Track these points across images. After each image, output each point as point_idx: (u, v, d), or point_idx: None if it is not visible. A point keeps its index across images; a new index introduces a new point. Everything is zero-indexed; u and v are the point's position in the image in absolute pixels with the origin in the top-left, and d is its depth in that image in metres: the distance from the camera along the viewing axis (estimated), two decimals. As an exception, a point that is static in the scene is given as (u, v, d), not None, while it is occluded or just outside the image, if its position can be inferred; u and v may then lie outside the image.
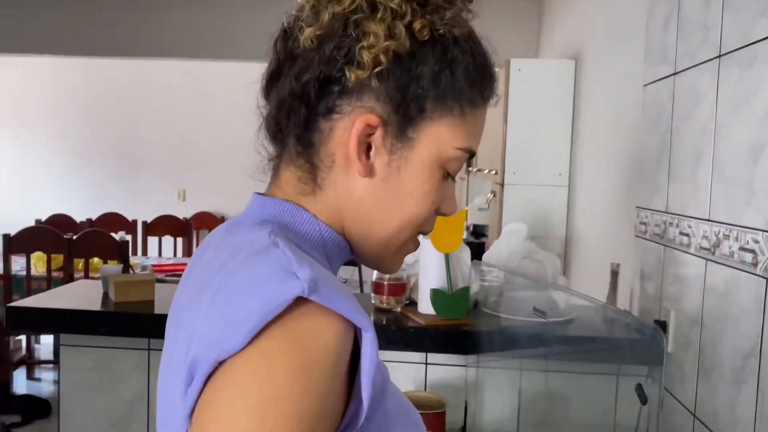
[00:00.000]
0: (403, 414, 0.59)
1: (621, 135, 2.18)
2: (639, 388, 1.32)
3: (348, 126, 0.60)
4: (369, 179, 0.60)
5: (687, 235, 1.45)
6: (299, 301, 0.47)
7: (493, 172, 2.98)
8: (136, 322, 1.70)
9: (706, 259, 1.36)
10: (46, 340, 4.67)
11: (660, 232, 1.62)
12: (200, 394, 0.46)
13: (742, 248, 1.21)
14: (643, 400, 1.31)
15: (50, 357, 4.46)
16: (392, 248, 0.64)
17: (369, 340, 0.49)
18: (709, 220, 1.35)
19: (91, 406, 1.78)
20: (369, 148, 0.61)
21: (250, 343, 0.45)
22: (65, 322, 1.71)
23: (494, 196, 3.01)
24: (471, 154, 0.64)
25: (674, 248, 1.53)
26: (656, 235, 1.65)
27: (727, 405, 1.25)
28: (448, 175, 0.63)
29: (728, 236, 1.26)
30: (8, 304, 1.77)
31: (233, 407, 0.43)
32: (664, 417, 1.54)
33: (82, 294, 1.92)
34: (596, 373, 1.68)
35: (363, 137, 0.60)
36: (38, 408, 3.74)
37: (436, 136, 0.61)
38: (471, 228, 3.17)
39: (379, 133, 0.60)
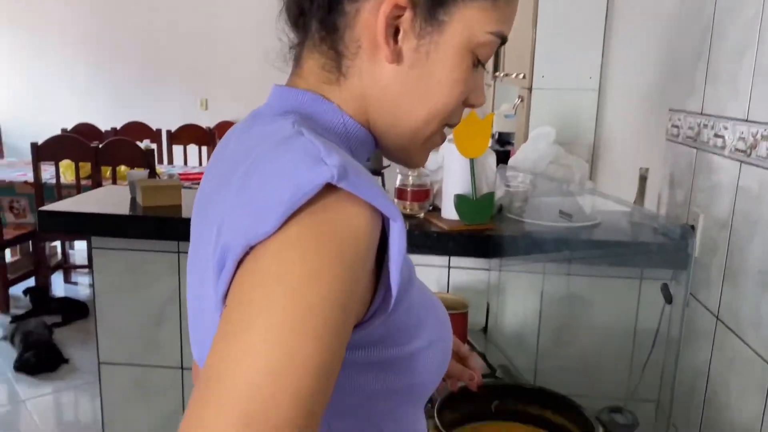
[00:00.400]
0: (430, 307, 0.60)
1: (656, 34, 2.08)
2: (665, 288, 1.33)
3: (375, 8, 0.57)
4: (396, 66, 0.58)
5: (722, 137, 1.40)
6: (328, 188, 0.46)
7: (521, 76, 2.89)
8: (165, 226, 1.73)
9: (741, 161, 1.32)
10: (80, 246, 4.82)
11: (693, 135, 1.57)
12: (232, 280, 0.47)
13: (779, 149, 1.17)
14: (668, 299, 1.31)
15: (85, 262, 4.62)
16: (419, 140, 0.62)
17: (398, 229, 0.48)
18: (747, 121, 1.30)
19: (125, 306, 1.85)
20: (397, 32, 0.57)
21: (280, 229, 0.44)
22: (95, 226, 1.75)
23: (521, 101, 2.93)
24: (503, 40, 0.61)
25: (707, 151, 1.49)
26: (689, 138, 1.60)
27: (752, 307, 1.25)
28: (478, 62, 0.60)
29: (767, 137, 1.22)
30: (40, 208, 1.80)
31: (269, 290, 0.43)
32: (686, 318, 1.55)
33: (110, 199, 1.95)
34: (620, 277, 1.68)
35: (391, 20, 0.56)
36: (76, 309, 3.91)
37: (468, 19, 0.57)
38: (496, 136, 3.11)
39: (408, 15, 0.56)
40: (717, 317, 1.41)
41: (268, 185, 0.47)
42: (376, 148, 0.64)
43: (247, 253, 0.45)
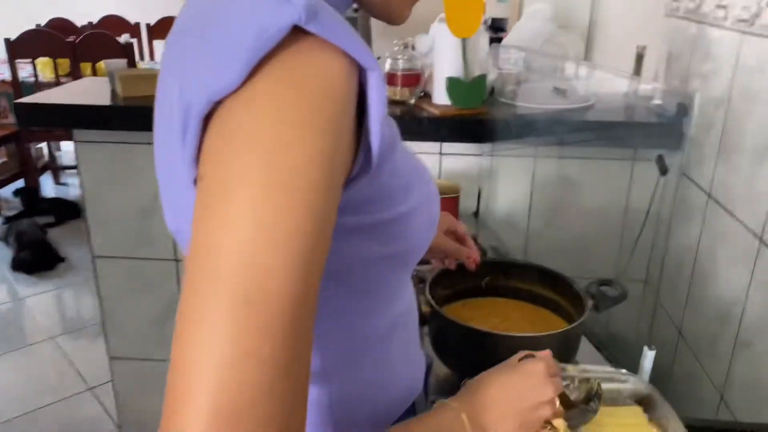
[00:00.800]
0: (414, 171, 0.57)
1: None
2: (660, 159, 1.31)
3: None
4: None
5: (724, 6, 1.34)
6: (296, 33, 0.41)
7: (515, -46, 2.74)
8: (147, 116, 1.67)
9: (743, 32, 1.27)
10: (67, 148, 4.74)
11: (694, 8, 1.50)
12: (201, 144, 0.43)
13: (785, 16, 1.12)
14: (663, 170, 1.30)
15: (73, 163, 4.57)
16: None
17: (375, 80, 0.44)
18: (752, -12, 1.23)
19: (115, 200, 1.83)
20: None
21: (247, 81, 0.40)
22: (75, 118, 1.70)
23: (515, -18, 2.79)
24: None
25: (708, 24, 1.43)
26: (689, 11, 1.53)
27: (745, 183, 1.24)
28: None
29: (772, 3, 1.16)
30: (16, 101, 1.74)
31: (244, 154, 0.39)
32: (678, 198, 1.55)
33: (90, 90, 1.88)
34: (613, 158, 1.66)
35: None
36: (68, 209, 3.91)
37: None
38: (489, 22, 2.99)
39: None
40: (709, 194, 1.40)
41: (227, 32, 0.41)
42: (353, 2, 0.59)
43: (213, 111, 0.42)
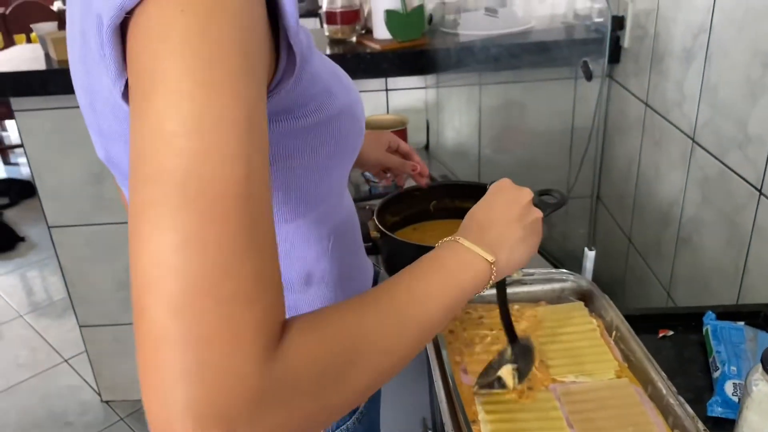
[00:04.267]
0: (333, 74, 0.59)
1: None
2: (584, 65, 1.34)
3: None
4: None
5: None
6: None
7: None
8: (85, 78, 1.64)
9: (666, -62, 1.29)
10: (13, 126, 4.61)
11: None
12: (122, 56, 0.43)
13: None
14: (588, 75, 1.33)
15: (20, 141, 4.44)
16: None
17: None
18: None
19: (63, 167, 1.80)
20: None
21: None
22: (10, 85, 1.66)
23: None
24: None
25: (635, -66, 1.44)
26: (617, -77, 1.54)
27: (676, 87, 1.28)
28: None
29: None
30: (-55, 73, 1.68)
31: (158, 51, 0.39)
32: (620, 111, 1.59)
33: (23, 57, 1.83)
34: (556, 78, 1.69)
35: None
36: (22, 189, 3.83)
37: None
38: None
39: None
40: (646, 103, 1.44)
41: None
42: None
43: (127, 21, 0.42)
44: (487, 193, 0.68)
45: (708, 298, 1.19)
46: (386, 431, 0.91)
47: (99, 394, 2.19)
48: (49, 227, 1.89)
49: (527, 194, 0.68)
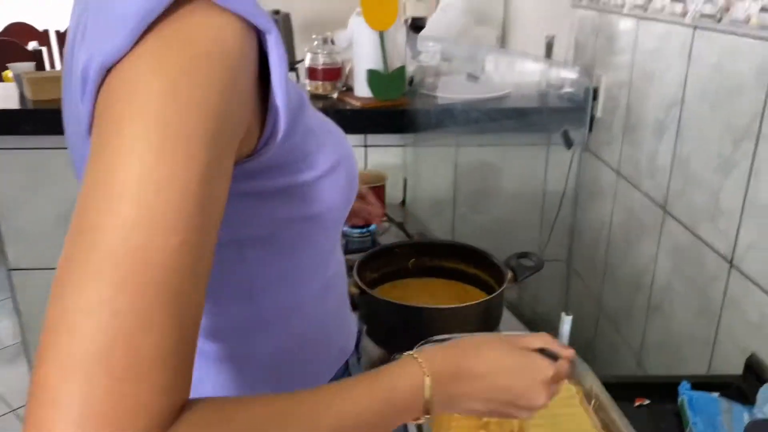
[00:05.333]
0: (327, 132, 0.59)
1: None
2: (565, 134, 1.38)
3: None
4: None
5: (622, -6, 1.43)
6: (189, 0, 0.41)
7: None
8: (59, 119, 1.62)
9: (639, 18, 1.36)
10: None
11: (596, -3, 1.58)
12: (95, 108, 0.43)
13: (672, 0, 1.20)
14: (568, 143, 1.37)
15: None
16: None
17: (273, 41, 0.45)
18: (644, -25, 1.32)
19: (31, 208, 1.76)
20: None
21: (137, 44, 0.40)
22: (-18, 123, 1.62)
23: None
24: None
25: (608, 12, 1.52)
26: (592, 0, 1.62)
27: (648, 158, 1.33)
28: None
29: (662, -12, 1.25)
30: None
31: (121, 109, 0.39)
32: (591, 178, 1.63)
33: (-4, 96, 1.80)
34: (529, 144, 1.73)
35: None
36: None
37: None
38: (410, 21, 3.05)
39: None
40: (617, 172, 1.49)
41: (122, 1, 0.42)
42: None
43: (106, 77, 0.42)
44: (523, 351, 0.56)
45: (679, 366, 1.20)
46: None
47: None
48: (9, 270, 1.82)
49: (544, 399, 0.56)
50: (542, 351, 0.58)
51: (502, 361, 0.55)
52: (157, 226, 0.37)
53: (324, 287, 0.65)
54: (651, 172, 1.32)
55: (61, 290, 0.37)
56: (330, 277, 0.66)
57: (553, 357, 0.58)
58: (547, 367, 0.56)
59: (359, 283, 1.00)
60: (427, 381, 0.50)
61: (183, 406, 0.38)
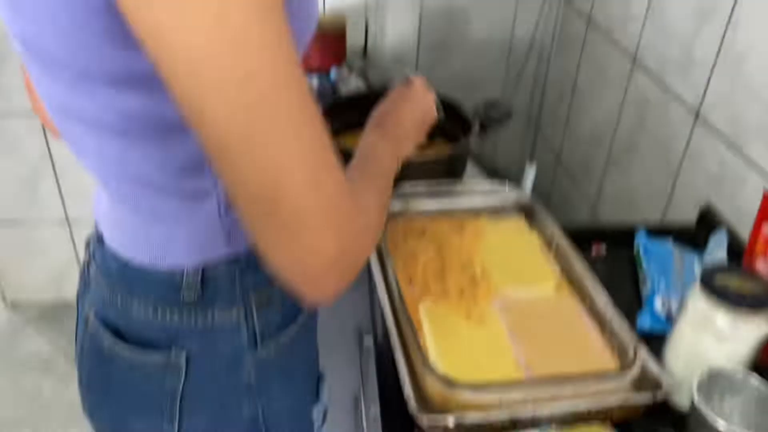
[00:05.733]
0: None
1: None
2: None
3: None
4: None
5: None
6: None
7: None
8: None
9: None
10: None
11: None
12: None
13: None
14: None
15: None
16: None
17: None
18: None
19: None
20: None
21: None
22: None
23: None
24: None
25: None
26: None
27: (622, 3, 1.27)
28: None
29: None
30: None
31: None
32: (561, 27, 1.57)
33: None
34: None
35: None
36: None
37: None
38: None
39: None
40: (588, 20, 1.43)
41: None
42: None
43: None
44: (401, 90, 0.77)
45: (633, 216, 1.24)
46: (319, 342, 0.91)
47: (3, 299, 2.07)
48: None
49: (431, 99, 0.78)
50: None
51: (399, 102, 0.75)
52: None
53: None
54: (623, 21, 1.27)
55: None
56: None
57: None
58: (414, 82, 0.78)
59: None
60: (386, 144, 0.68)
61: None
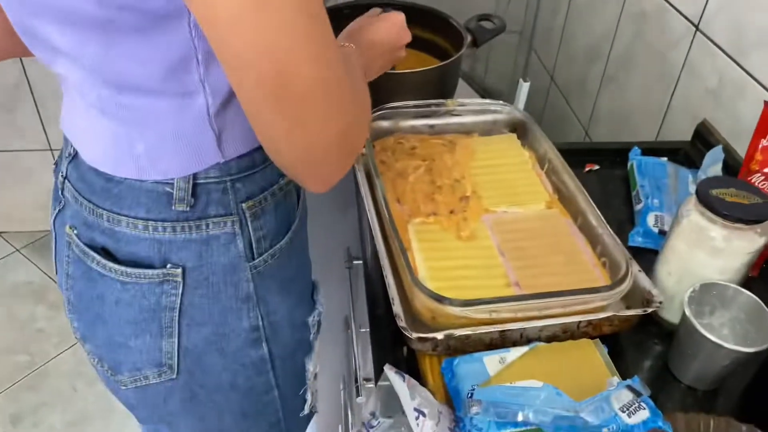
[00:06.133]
0: None
1: None
2: None
3: None
4: None
5: None
6: None
7: None
8: None
9: None
10: None
11: None
12: None
13: None
14: None
15: None
16: None
17: None
18: None
19: None
20: None
21: None
22: None
23: None
24: None
25: None
26: None
27: None
28: None
29: None
30: None
31: None
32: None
33: None
34: None
35: None
36: None
37: None
38: None
39: None
40: (586, -72, 1.35)
41: None
42: None
43: None
44: (380, 16, 0.77)
45: (627, 135, 1.21)
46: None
47: (-9, 226, 2.06)
48: None
49: (406, 38, 0.77)
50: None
51: (375, 27, 0.74)
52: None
53: None
54: (624, -74, 1.20)
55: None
56: None
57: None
58: (396, 15, 0.77)
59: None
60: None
61: None
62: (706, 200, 0.60)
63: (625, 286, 0.62)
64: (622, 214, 0.85)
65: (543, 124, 1.61)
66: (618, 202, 0.87)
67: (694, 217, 0.62)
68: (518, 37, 1.70)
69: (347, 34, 0.73)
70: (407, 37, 0.78)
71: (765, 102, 0.71)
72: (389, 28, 0.75)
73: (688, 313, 0.60)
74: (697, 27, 0.98)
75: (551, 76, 1.58)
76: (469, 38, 0.96)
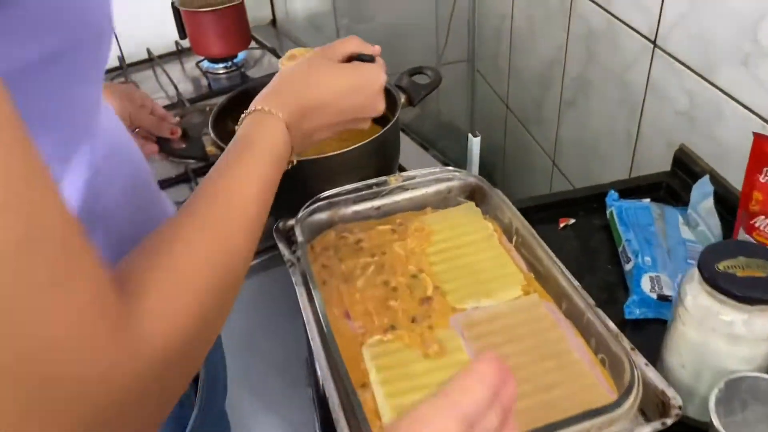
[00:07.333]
0: None
1: None
2: None
3: None
4: None
5: None
6: None
7: None
8: None
9: None
10: None
11: None
12: None
13: None
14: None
15: None
16: None
17: None
18: None
19: None
20: None
21: None
22: None
23: None
24: None
25: None
26: None
27: None
28: None
29: None
30: None
31: None
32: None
33: None
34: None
35: None
36: None
37: None
38: None
39: None
40: (515, -52, 1.26)
41: None
42: None
43: None
44: (355, 69, 0.60)
45: (598, 165, 1.11)
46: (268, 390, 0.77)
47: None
48: None
49: (381, 107, 0.62)
50: (359, 58, 0.63)
51: (339, 83, 0.58)
52: None
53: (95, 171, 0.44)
54: None
55: None
56: (99, 156, 0.44)
57: (370, 60, 0.63)
58: (377, 75, 0.61)
59: (217, 140, 0.80)
60: (284, 127, 0.53)
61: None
62: (714, 280, 0.49)
63: (634, 399, 0.50)
64: (611, 276, 0.73)
65: (506, 156, 1.51)
66: (603, 261, 0.75)
67: (702, 300, 0.50)
68: (466, 67, 1.60)
69: (293, 90, 0.56)
70: (381, 105, 0.63)
71: (754, 134, 0.60)
72: (361, 91, 0.60)
73: (716, 423, 0.48)
74: (654, 43, 0.88)
75: (506, 104, 1.47)
76: (403, 98, 0.85)
